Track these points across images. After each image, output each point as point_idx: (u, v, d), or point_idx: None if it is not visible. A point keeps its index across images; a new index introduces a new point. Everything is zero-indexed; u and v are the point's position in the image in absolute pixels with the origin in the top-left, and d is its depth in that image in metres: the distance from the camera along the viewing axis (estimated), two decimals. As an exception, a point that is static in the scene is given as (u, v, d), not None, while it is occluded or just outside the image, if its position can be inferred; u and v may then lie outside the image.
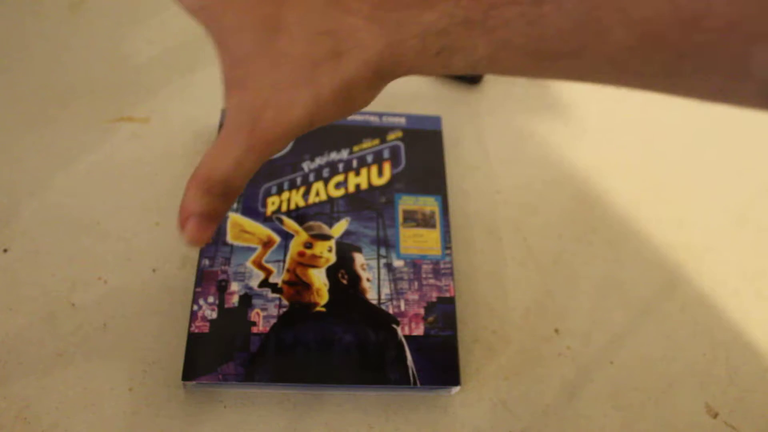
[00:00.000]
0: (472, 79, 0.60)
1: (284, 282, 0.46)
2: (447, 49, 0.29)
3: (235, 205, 0.49)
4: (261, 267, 0.47)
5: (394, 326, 0.45)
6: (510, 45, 0.28)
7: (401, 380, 0.43)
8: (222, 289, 0.45)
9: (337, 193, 0.51)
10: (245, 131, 0.29)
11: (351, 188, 0.51)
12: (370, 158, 0.52)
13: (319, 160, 0.52)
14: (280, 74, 0.29)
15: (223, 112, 0.54)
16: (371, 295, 0.46)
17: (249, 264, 0.47)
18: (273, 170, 0.51)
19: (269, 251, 0.47)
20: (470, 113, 0.59)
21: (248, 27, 0.29)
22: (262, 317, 0.44)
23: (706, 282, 0.51)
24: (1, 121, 0.55)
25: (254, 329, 0.44)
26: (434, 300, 0.46)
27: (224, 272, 0.46)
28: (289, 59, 0.29)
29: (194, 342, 0.43)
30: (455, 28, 0.28)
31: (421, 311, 0.45)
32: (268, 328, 0.44)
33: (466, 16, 0.28)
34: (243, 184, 0.31)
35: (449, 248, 0.49)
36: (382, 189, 0.51)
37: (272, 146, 0.30)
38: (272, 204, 0.49)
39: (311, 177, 0.51)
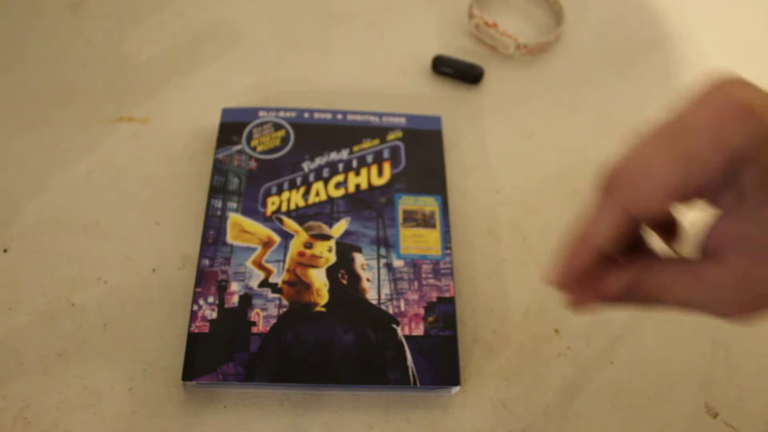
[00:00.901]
0: (472, 79, 0.60)
1: (284, 282, 0.46)
2: None
3: (234, 205, 0.49)
4: (261, 267, 0.47)
5: (394, 326, 0.45)
6: None
7: (401, 380, 0.43)
8: (222, 289, 0.45)
9: (337, 193, 0.51)
10: (738, 300, 0.26)
11: (351, 188, 0.51)
12: (370, 158, 0.52)
13: (319, 160, 0.52)
14: None
15: (225, 111, 0.54)
16: (371, 295, 0.46)
17: (249, 264, 0.47)
18: (273, 170, 0.51)
19: (269, 251, 0.47)
20: (470, 113, 0.59)
21: None
22: (262, 317, 0.44)
23: (706, 282, 0.51)
24: (1, 121, 0.55)
25: (254, 329, 0.44)
26: (434, 300, 0.46)
27: (224, 272, 0.46)
28: None
29: (194, 342, 0.43)
30: None
31: (421, 311, 0.45)
32: (268, 328, 0.44)
33: None
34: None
35: (449, 248, 0.49)
36: (382, 189, 0.51)
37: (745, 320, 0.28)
38: (272, 204, 0.49)
39: (311, 177, 0.51)
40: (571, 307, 0.30)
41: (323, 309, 0.45)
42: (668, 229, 0.32)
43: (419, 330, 0.45)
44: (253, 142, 0.52)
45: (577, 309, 0.30)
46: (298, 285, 0.46)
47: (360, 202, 0.50)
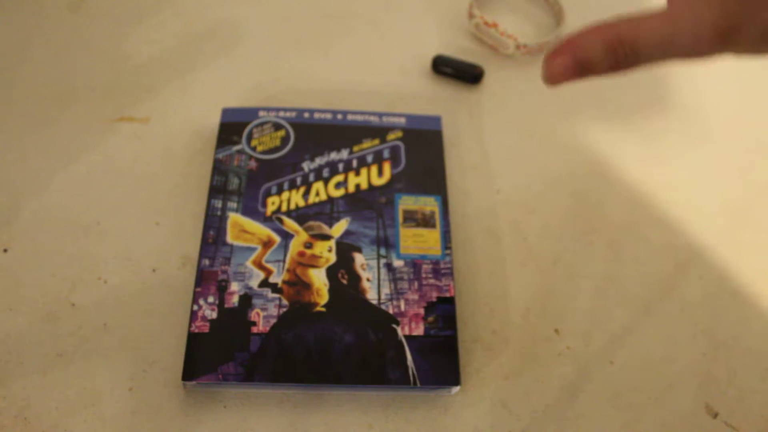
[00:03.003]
0: (472, 79, 0.60)
1: (284, 282, 0.46)
2: None
3: (234, 205, 0.49)
4: (261, 267, 0.47)
5: (394, 326, 0.45)
6: None
7: (401, 380, 0.43)
8: (222, 289, 0.45)
9: (337, 193, 0.51)
10: (703, 28, 0.28)
11: (351, 188, 0.51)
12: (370, 158, 0.52)
13: (319, 160, 0.52)
14: None
15: (225, 111, 0.54)
16: (371, 295, 0.46)
17: (249, 264, 0.47)
18: (273, 170, 0.51)
19: (269, 251, 0.47)
20: (470, 113, 0.59)
21: None
22: (262, 317, 0.44)
23: (706, 282, 0.51)
24: (1, 121, 0.55)
25: (254, 329, 0.44)
26: (434, 300, 0.46)
27: (224, 272, 0.46)
28: None
29: (194, 342, 0.43)
30: None
31: (421, 311, 0.46)
32: (268, 328, 0.44)
33: None
34: (639, 65, 0.30)
35: (449, 248, 0.49)
36: (382, 189, 0.51)
37: (706, 53, 0.29)
38: (272, 204, 0.49)
39: (311, 177, 0.51)
40: (548, 79, 0.31)
41: (323, 309, 0.45)
42: None
43: (419, 330, 0.45)
44: (253, 142, 0.52)
45: (554, 80, 0.31)
46: (298, 285, 0.46)
47: (360, 202, 0.50)
